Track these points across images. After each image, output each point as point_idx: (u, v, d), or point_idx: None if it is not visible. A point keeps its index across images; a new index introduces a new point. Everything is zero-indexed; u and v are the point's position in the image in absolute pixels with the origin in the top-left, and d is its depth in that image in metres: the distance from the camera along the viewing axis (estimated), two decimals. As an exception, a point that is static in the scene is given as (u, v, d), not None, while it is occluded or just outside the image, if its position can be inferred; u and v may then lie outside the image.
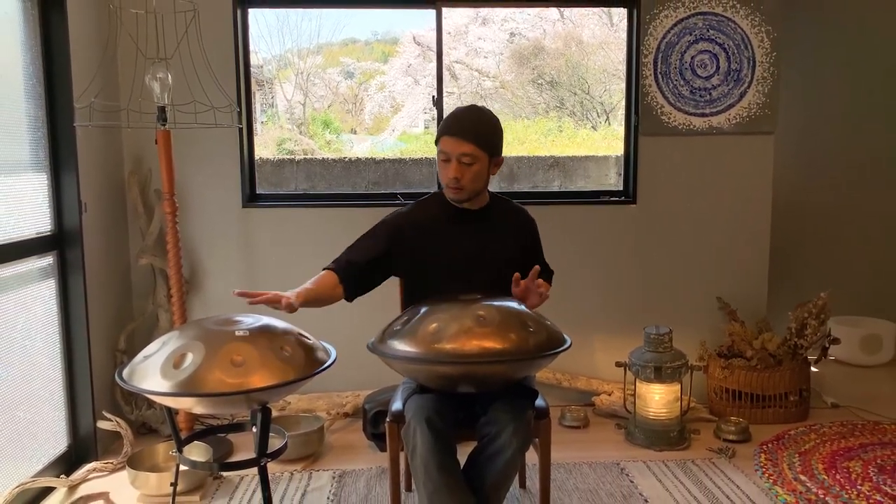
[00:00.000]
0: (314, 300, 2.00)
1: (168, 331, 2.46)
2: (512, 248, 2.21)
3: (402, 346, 1.87)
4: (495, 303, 1.94)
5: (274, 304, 1.87)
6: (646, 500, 2.50)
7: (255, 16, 3.34)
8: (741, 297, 3.42)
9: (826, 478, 2.65)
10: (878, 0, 4.06)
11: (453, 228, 2.18)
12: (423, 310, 1.95)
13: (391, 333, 1.94)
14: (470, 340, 1.80)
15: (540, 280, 2.08)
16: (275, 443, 2.11)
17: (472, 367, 1.82)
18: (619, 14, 4.01)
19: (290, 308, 1.88)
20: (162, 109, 2.62)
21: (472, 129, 2.06)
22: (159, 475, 2.51)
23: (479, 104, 2.22)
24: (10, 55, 2.47)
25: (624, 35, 3.46)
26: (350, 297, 2.13)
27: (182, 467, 2.10)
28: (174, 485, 2.11)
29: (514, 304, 1.98)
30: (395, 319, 2.02)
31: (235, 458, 2.86)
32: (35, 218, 2.59)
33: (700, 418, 3.21)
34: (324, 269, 2.13)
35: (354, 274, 2.12)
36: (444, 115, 2.18)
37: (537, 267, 2.05)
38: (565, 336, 1.98)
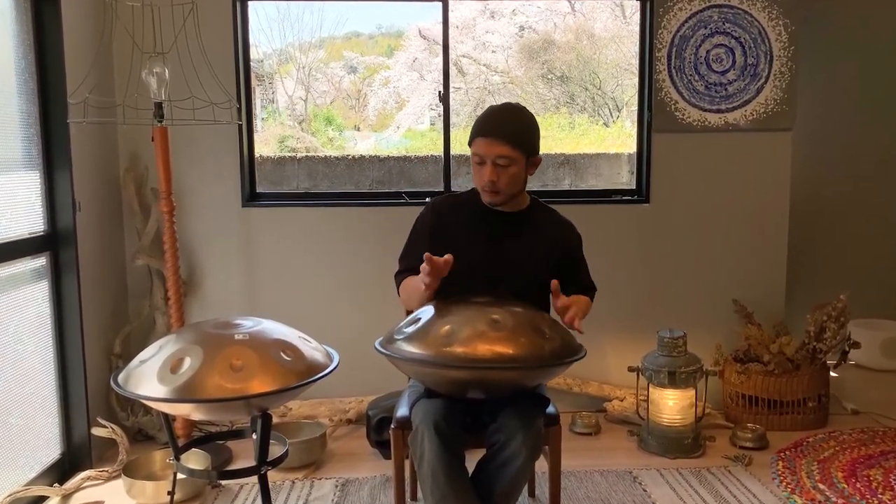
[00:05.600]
0: (427, 300, 2.02)
1: (165, 334, 2.56)
2: (541, 259, 2.13)
3: (411, 348, 1.85)
4: (510, 307, 1.91)
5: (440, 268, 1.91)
6: (659, 510, 2.51)
7: (255, 8, 3.35)
8: (758, 300, 3.41)
9: (846, 486, 2.64)
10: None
11: (482, 229, 2.14)
12: (434, 311, 1.92)
13: (401, 334, 1.91)
14: (483, 345, 1.78)
15: (570, 306, 1.94)
16: (275, 450, 2.11)
17: (484, 373, 1.80)
18: (632, 7, 4.02)
19: (447, 265, 1.91)
20: (159, 105, 2.62)
21: (508, 129, 2.01)
22: (156, 484, 2.51)
23: (513, 102, 2.16)
24: (2, 49, 2.47)
25: (637, 28, 3.46)
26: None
27: (179, 476, 2.10)
28: (171, 494, 2.11)
29: (529, 309, 1.94)
30: (405, 320, 2.00)
31: (235, 465, 2.87)
32: (27, 217, 2.59)
33: (715, 425, 3.21)
34: (400, 278, 2.16)
35: None
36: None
37: (556, 281, 1.94)
38: (580, 344, 1.95)
